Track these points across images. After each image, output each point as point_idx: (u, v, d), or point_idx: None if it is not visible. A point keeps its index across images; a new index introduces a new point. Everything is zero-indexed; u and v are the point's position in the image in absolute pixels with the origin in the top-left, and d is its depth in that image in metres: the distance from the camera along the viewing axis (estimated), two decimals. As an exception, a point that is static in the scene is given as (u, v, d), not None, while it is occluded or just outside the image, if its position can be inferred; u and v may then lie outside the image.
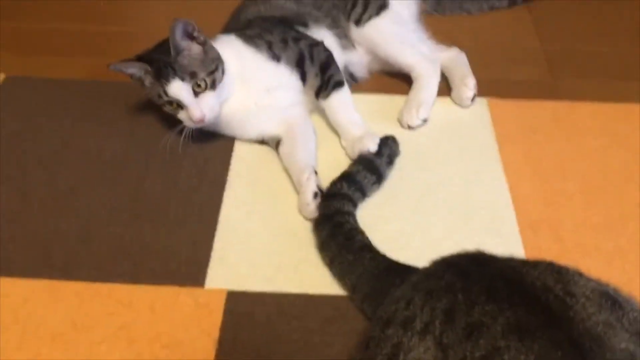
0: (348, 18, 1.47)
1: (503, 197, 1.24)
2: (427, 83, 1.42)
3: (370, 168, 1.23)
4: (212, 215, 1.20)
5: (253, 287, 1.08)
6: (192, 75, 1.22)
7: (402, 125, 1.39)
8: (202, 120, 1.24)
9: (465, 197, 1.24)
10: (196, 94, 1.23)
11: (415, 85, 1.43)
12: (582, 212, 1.21)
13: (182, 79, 1.22)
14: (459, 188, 1.26)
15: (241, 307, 1.05)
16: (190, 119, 1.24)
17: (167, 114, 1.31)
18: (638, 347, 0.71)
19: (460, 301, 0.73)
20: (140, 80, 1.28)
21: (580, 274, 0.77)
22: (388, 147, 1.28)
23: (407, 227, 1.19)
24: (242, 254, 1.14)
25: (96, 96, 1.47)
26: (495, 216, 1.21)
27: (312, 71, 1.33)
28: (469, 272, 0.77)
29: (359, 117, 1.33)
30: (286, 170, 1.28)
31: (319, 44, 1.37)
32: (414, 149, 1.34)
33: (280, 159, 1.30)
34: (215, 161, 1.32)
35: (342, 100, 1.34)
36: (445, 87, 1.47)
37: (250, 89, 1.31)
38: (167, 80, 1.22)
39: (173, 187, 1.26)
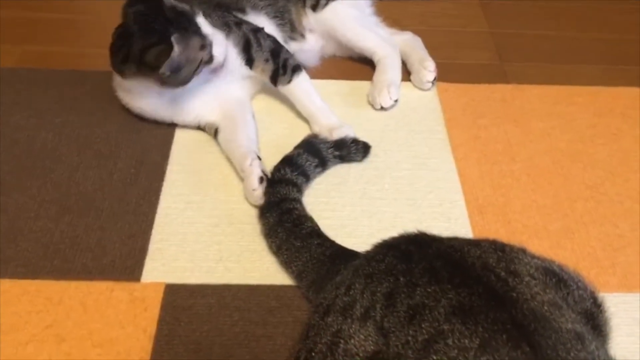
0: (304, 4, 1.43)
1: (451, 181, 1.22)
2: (391, 64, 1.41)
3: (311, 151, 1.19)
4: (149, 206, 1.15)
5: (193, 280, 1.03)
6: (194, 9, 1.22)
7: (374, 107, 1.36)
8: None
9: (414, 181, 1.22)
10: None
11: (379, 68, 1.41)
12: (529, 194, 1.19)
13: (197, 14, 1.20)
14: (408, 172, 1.24)
15: (180, 300, 1.00)
16: (222, 46, 1.21)
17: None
18: (585, 327, 0.69)
19: (402, 284, 0.70)
20: (168, 61, 1.13)
21: (524, 251, 0.75)
22: (347, 149, 1.24)
23: (355, 212, 1.16)
24: (181, 246, 1.08)
25: (27, 84, 1.39)
26: (444, 200, 1.18)
27: (261, 57, 1.29)
28: (410, 253, 0.74)
29: (326, 105, 1.30)
30: (228, 159, 1.23)
31: (260, 30, 1.32)
32: (362, 134, 1.30)
33: (221, 147, 1.25)
34: (153, 151, 1.26)
35: (304, 86, 1.30)
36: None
37: None
38: (198, 24, 1.18)
39: (108, 179, 1.20)
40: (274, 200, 1.11)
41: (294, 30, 1.43)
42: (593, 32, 1.64)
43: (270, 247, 1.08)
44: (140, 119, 1.30)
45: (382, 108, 1.36)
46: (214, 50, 1.20)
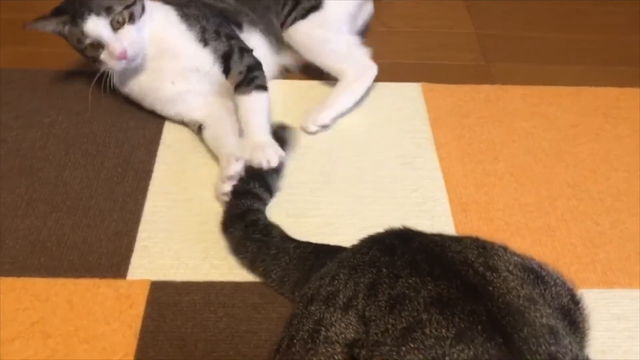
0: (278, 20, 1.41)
1: (435, 179, 1.23)
2: (347, 88, 1.35)
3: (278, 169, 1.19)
4: (136, 205, 1.15)
5: (178, 277, 1.04)
6: (108, 10, 1.18)
7: (305, 128, 1.31)
8: (124, 56, 1.19)
9: (399, 180, 1.23)
10: (115, 29, 1.19)
11: (336, 87, 1.36)
12: (512, 192, 1.21)
13: (98, 15, 1.18)
14: (393, 171, 1.25)
15: (165, 297, 1.00)
16: (111, 55, 1.19)
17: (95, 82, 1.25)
18: (559, 322, 0.71)
19: (384, 275, 0.71)
20: (62, 35, 1.23)
21: (505, 249, 0.77)
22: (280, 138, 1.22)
23: (341, 211, 1.17)
24: (167, 244, 1.09)
25: (15, 85, 1.40)
26: (428, 198, 1.20)
27: (237, 68, 1.28)
28: (394, 247, 0.75)
29: (269, 128, 1.24)
30: (215, 157, 1.24)
31: (249, 51, 1.32)
32: (348, 134, 1.32)
33: (207, 143, 1.26)
34: (141, 150, 1.27)
35: (260, 103, 1.26)
36: (381, 73, 1.46)
37: (166, 63, 1.26)
38: (83, 19, 1.18)
39: (95, 177, 1.20)
40: (237, 212, 1.08)
41: (282, 41, 1.41)
42: (576, 33, 1.66)
43: (242, 264, 1.05)
44: (129, 118, 1.31)
45: (305, 131, 1.31)
46: (103, 54, 1.20)
